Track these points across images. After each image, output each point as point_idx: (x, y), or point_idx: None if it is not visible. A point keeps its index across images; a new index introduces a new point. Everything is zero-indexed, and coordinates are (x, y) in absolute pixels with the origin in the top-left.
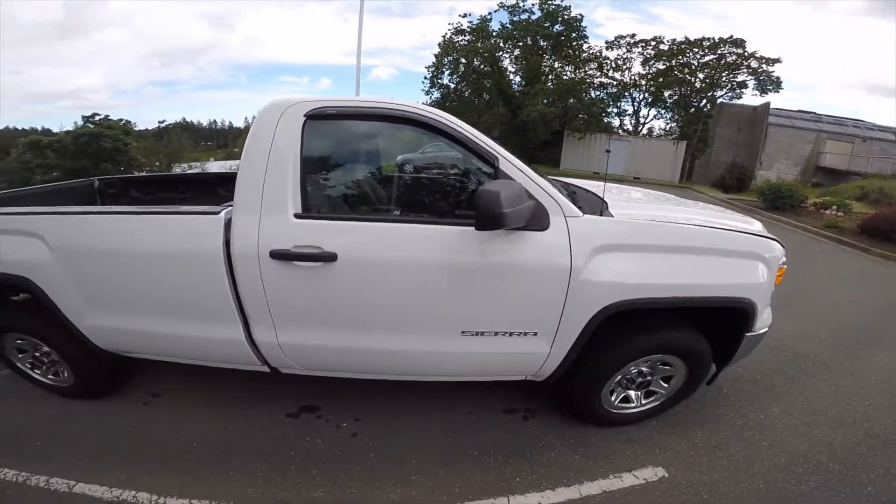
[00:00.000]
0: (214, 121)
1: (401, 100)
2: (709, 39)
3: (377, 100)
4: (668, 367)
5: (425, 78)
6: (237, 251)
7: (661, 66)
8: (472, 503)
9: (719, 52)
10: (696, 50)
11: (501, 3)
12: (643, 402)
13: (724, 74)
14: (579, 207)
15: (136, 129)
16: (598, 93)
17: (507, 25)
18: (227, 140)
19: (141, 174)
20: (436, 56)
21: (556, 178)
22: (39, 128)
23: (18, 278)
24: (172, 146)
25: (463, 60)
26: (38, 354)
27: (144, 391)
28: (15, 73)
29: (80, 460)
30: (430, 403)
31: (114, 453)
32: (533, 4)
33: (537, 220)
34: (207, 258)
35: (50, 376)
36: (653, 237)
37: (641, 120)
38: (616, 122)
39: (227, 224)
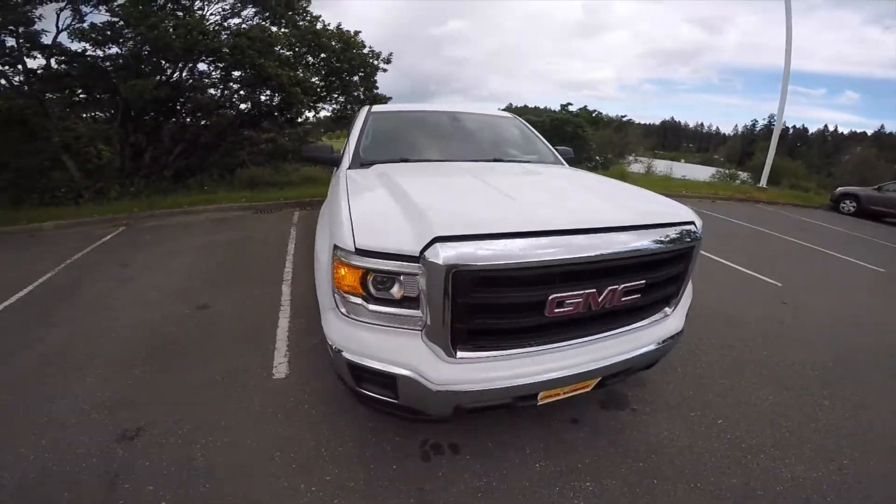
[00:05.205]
0: (701, 123)
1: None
2: None
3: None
4: None
5: None
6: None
7: None
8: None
9: None
10: None
11: None
12: None
13: None
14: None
15: (634, 122)
16: None
17: None
18: (709, 145)
19: None
20: None
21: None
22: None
23: None
24: (625, 140)
25: None
26: None
27: None
28: (552, 64)
29: None
30: None
31: None
32: None
33: (338, 164)
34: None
35: None
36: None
37: None
38: None
39: None
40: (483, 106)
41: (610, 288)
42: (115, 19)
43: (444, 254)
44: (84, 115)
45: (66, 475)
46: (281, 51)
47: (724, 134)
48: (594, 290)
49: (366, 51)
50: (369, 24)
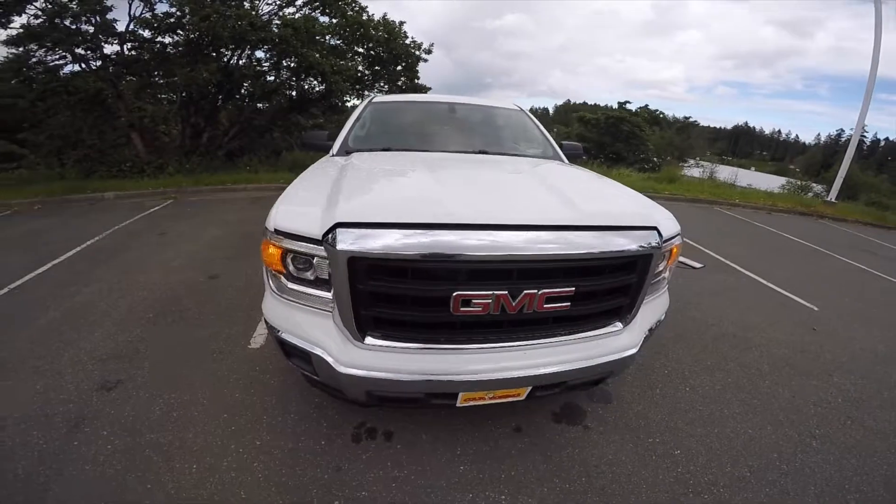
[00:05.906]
0: (779, 130)
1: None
2: None
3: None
4: None
5: None
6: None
7: None
8: None
9: None
10: None
11: None
12: None
13: None
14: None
15: (699, 124)
16: None
17: None
18: (786, 154)
19: None
20: None
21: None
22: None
23: None
24: (687, 143)
25: None
26: None
27: None
28: (619, 62)
29: None
30: None
31: None
32: None
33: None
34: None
35: None
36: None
37: None
38: None
39: None
40: (528, 100)
41: (526, 292)
42: (174, 9)
43: (342, 240)
44: (160, 96)
45: (43, 417)
46: (329, 40)
47: (804, 143)
48: (506, 292)
49: (407, 41)
50: (426, 14)
